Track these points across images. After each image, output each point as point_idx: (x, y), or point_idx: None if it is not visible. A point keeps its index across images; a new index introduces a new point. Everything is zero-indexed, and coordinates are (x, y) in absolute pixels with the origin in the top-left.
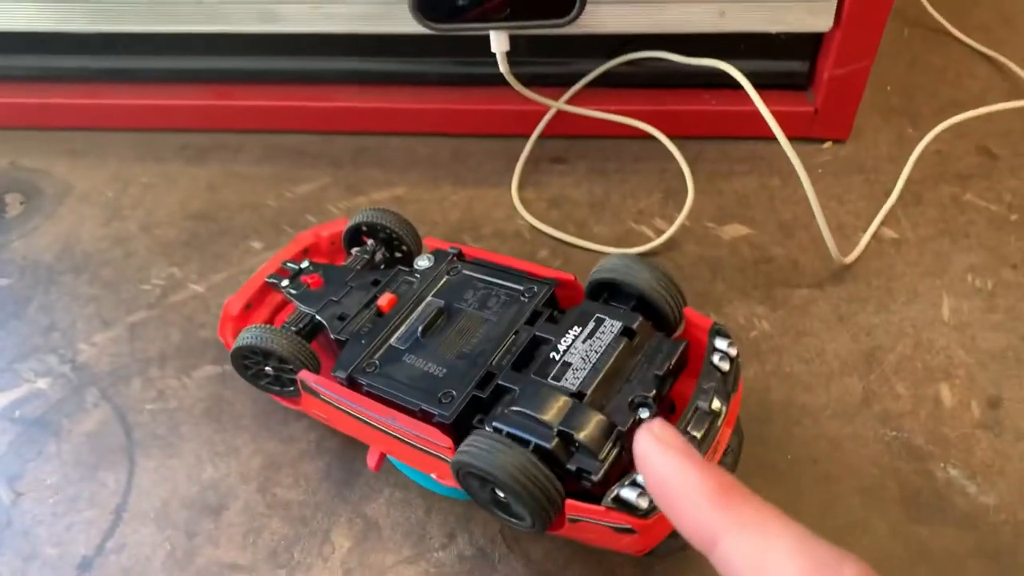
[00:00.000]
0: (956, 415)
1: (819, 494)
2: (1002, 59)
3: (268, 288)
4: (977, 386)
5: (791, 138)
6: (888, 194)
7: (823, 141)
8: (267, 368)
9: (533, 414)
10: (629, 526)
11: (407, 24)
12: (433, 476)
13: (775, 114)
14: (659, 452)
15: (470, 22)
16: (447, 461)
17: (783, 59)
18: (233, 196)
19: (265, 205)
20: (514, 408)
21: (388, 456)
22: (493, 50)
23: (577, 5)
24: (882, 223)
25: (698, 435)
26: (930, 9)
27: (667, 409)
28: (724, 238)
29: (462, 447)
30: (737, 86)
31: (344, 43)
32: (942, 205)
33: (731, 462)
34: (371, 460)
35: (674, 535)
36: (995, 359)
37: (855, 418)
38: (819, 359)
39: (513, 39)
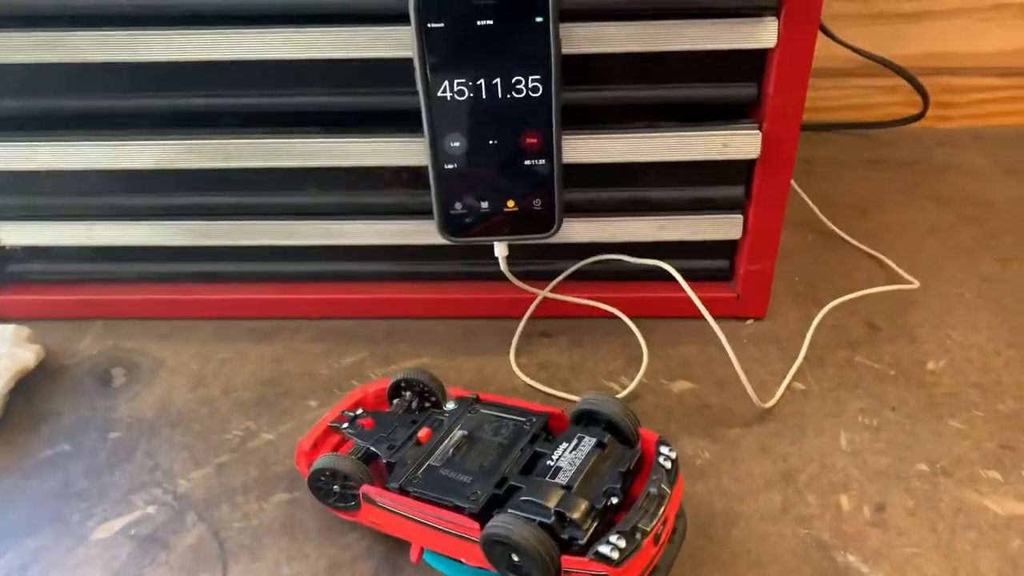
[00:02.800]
0: (852, 516)
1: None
2: (881, 256)
3: (329, 432)
4: (868, 495)
5: (721, 316)
6: (795, 358)
7: (746, 319)
8: (335, 487)
9: (537, 501)
10: (606, 573)
11: (433, 237)
12: (463, 560)
13: (706, 299)
14: None
15: (480, 236)
16: (476, 541)
17: (711, 258)
18: (293, 367)
19: (319, 373)
20: (523, 498)
21: (424, 555)
22: (496, 255)
23: (556, 224)
24: (793, 378)
25: (651, 509)
26: (826, 221)
27: (629, 503)
28: (674, 391)
29: (489, 524)
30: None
31: (380, 249)
32: (839, 365)
33: (678, 540)
34: (413, 554)
35: None
36: (880, 476)
37: (777, 521)
38: (748, 479)
39: (511, 246)
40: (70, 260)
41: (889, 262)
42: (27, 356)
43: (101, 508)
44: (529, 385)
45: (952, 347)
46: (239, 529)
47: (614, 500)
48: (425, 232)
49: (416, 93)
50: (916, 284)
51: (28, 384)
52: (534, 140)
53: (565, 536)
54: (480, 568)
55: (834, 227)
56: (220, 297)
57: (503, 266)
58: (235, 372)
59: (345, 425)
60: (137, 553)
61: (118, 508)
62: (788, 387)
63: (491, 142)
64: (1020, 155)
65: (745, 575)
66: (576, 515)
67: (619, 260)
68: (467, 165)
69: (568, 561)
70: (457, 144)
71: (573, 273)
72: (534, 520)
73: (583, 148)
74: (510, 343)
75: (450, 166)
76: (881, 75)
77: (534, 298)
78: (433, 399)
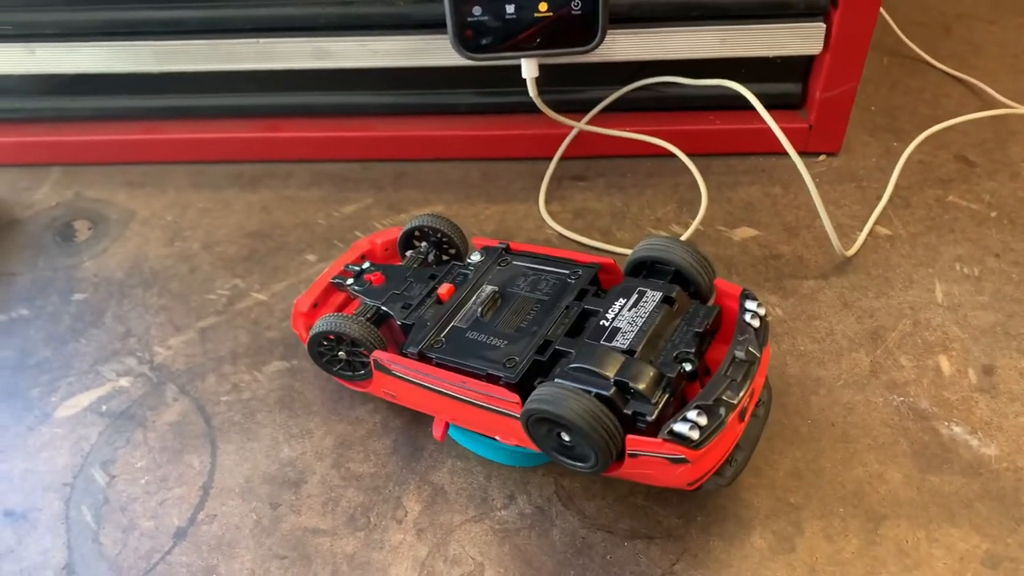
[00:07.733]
0: (955, 381)
1: (839, 451)
2: (973, 80)
3: (331, 289)
4: (972, 357)
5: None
6: (879, 198)
7: (818, 154)
8: (340, 353)
9: (592, 368)
10: (683, 456)
11: (442, 58)
12: (497, 437)
13: (769, 131)
14: None
15: (504, 52)
16: (515, 417)
17: (779, 81)
18: (286, 217)
19: (316, 223)
20: (573, 365)
21: (450, 431)
22: (524, 76)
23: (599, 34)
24: (876, 222)
25: (737, 378)
26: (906, 40)
27: (703, 372)
28: (735, 239)
29: (533, 396)
30: (737, 107)
31: (383, 77)
32: (928, 206)
33: (763, 413)
34: (436, 431)
35: (718, 472)
36: (986, 334)
37: (865, 387)
38: (829, 338)
39: (541, 67)
40: (14, 94)
41: (983, 86)
42: None
43: (66, 381)
44: (563, 235)
45: None
46: (229, 403)
47: (687, 367)
48: (436, 50)
49: None
50: (1021, 109)
51: None
52: None
53: (629, 411)
54: (520, 447)
55: (914, 46)
56: (196, 136)
57: (532, 91)
58: (217, 224)
59: (350, 281)
60: (110, 432)
61: (85, 381)
62: (871, 232)
63: None
64: None
65: (829, 451)
66: (642, 385)
67: (672, 84)
68: None
69: (635, 442)
70: None
71: (610, 104)
72: (589, 391)
73: None
74: (538, 187)
75: None
76: None
77: (567, 133)
78: (453, 250)
